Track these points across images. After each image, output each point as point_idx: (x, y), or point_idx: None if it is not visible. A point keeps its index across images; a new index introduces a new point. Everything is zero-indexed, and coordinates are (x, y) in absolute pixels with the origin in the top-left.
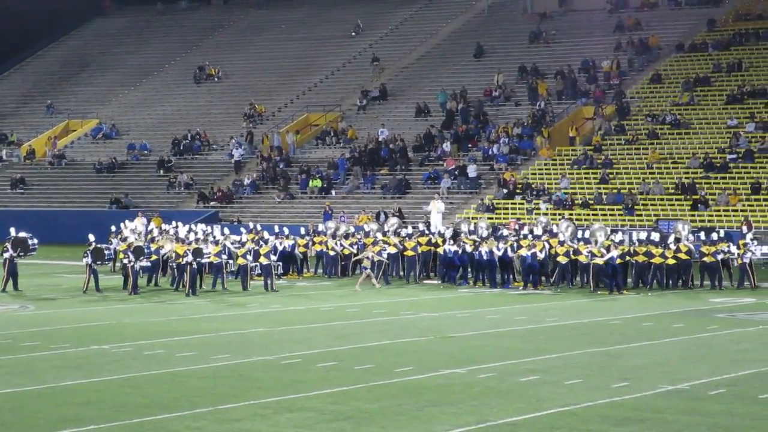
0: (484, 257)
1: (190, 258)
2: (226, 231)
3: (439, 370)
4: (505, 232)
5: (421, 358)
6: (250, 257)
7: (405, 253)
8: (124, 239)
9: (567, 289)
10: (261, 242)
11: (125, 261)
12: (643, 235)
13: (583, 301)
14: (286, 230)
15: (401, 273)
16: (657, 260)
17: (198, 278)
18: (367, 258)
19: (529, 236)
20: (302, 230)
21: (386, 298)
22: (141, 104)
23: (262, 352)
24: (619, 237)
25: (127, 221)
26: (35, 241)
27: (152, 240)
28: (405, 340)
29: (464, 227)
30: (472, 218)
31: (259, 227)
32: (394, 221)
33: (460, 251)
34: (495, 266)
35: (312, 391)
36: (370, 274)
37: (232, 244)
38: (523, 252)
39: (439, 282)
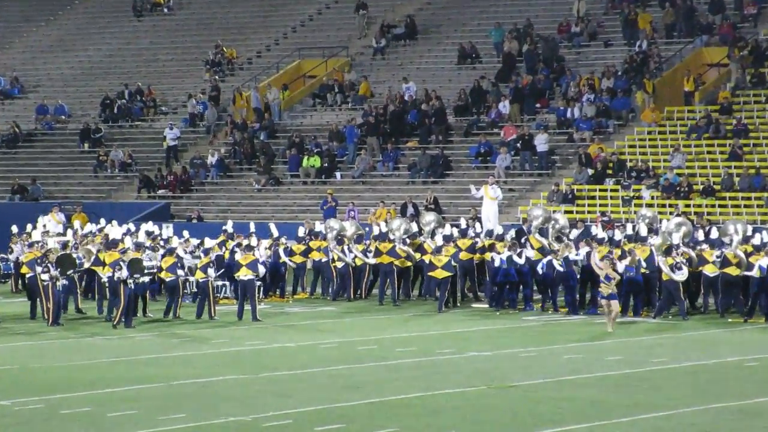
0: (557, 268)
1: (125, 273)
2: (186, 234)
3: None
4: (595, 230)
5: (468, 417)
6: (212, 271)
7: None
8: (32, 244)
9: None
10: (238, 248)
11: (43, 276)
12: None
13: (704, 333)
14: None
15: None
16: None
17: (139, 302)
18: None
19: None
20: (300, 231)
21: (415, 331)
22: (55, 48)
23: (235, 410)
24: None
25: (41, 218)
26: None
27: (74, 246)
28: (444, 392)
29: (535, 221)
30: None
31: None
32: (431, 218)
33: (521, 261)
34: (572, 283)
35: None
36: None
37: (190, 252)
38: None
39: (491, 305)
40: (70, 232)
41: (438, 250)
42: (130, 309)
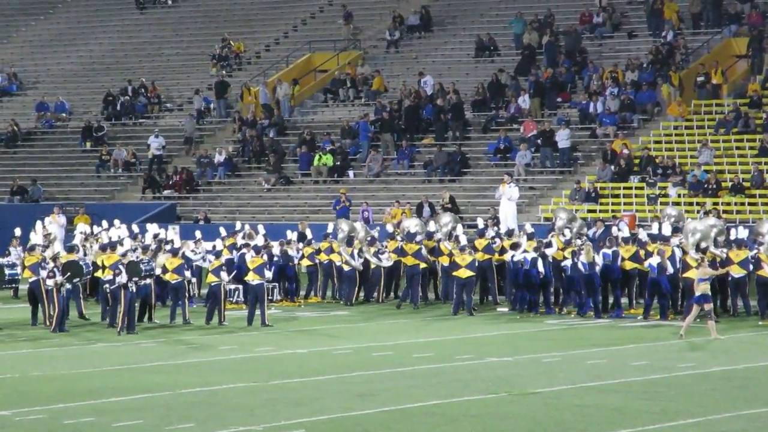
0: (581, 270)
1: (123, 278)
2: (198, 234)
3: None
4: (617, 231)
5: (488, 426)
6: (225, 274)
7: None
8: (32, 248)
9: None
10: (246, 250)
11: (48, 282)
12: None
13: (733, 336)
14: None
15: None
16: None
17: (144, 307)
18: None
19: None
20: (308, 233)
21: (433, 335)
22: (55, 42)
23: (245, 420)
24: None
25: (39, 222)
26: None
27: (72, 249)
28: (463, 399)
29: (560, 221)
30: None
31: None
32: (447, 220)
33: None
34: (596, 285)
35: None
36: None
37: (197, 254)
38: (647, 262)
39: (512, 309)
40: (79, 236)
41: (463, 249)
42: (132, 313)
